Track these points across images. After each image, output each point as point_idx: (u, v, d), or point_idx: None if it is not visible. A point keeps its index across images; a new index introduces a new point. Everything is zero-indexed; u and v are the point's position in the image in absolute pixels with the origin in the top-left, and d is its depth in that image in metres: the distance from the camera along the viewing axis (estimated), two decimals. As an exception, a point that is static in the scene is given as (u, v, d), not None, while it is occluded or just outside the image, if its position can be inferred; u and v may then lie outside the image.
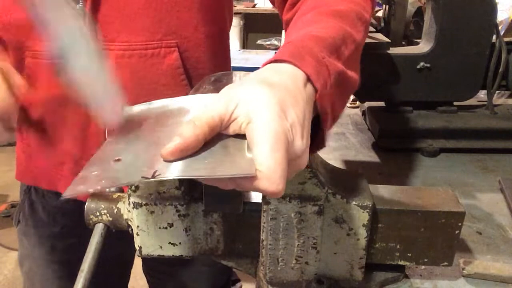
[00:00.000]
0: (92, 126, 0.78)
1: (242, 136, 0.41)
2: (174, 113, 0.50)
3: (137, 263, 1.10)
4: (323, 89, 0.46)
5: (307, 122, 0.43)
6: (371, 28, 1.32)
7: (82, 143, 0.80)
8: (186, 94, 0.76)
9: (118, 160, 0.43)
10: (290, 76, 0.44)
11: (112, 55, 0.73)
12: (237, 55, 3.01)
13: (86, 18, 0.69)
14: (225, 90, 0.43)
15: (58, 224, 0.94)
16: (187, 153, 0.40)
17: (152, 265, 1.09)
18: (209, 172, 0.38)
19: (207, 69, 0.81)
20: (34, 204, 0.95)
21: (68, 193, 0.39)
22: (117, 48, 0.72)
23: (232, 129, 0.41)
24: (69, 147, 0.81)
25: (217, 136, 0.42)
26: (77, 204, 0.83)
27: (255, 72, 0.46)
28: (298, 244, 0.57)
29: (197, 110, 0.47)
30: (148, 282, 1.16)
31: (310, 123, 0.44)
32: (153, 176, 0.38)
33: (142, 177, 0.39)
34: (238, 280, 1.33)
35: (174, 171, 0.39)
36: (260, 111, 0.39)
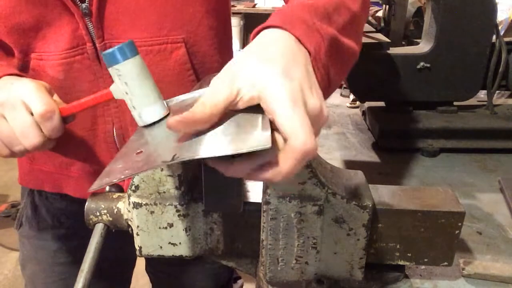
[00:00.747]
0: (100, 124, 0.78)
1: (254, 112, 0.42)
2: (191, 106, 0.51)
3: (138, 262, 1.10)
4: (316, 52, 0.47)
5: (313, 78, 0.44)
6: (371, 28, 1.32)
7: (91, 143, 0.79)
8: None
9: (140, 152, 0.45)
10: (283, 42, 0.46)
11: None
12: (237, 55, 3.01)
13: (92, 16, 0.69)
14: (226, 70, 0.44)
15: (62, 227, 0.94)
16: (191, 127, 0.42)
17: (155, 264, 1.09)
18: (226, 151, 0.39)
19: (215, 62, 0.81)
20: (38, 207, 0.94)
21: (94, 186, 0.41)
22: None
23: (241, 105, 0.42)
24: (77, 148, 0.80)
25: (229, 117, 0.43)
26: (81, 206, 0.83)
27: (249, 46, 0.47)
28: (298, 244, 0.57)
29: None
30: (151, 281, 1.16)
31: (317, 81, 0.45)
32: (172, 159, 0.40)
33: (163, 161, 0.40)
34: (239, 278, 1.33)
35: (192, 152, 0.40)
36: (268, 82, 0.40)
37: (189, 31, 0.75)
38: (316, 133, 0.40)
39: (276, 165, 0.39)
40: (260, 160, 0.40)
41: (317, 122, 0.41)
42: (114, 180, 0.41)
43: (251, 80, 0.41)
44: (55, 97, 0.65)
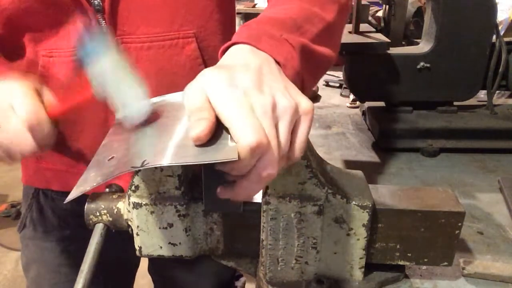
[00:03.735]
0: (111, 121, 0.77)
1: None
2: (168, 109, 0.51)
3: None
4: (287, 61, 0.49)
5: (265, 78, 0.44)
6: (371, 28, 1.32)
7: (101, 139, 0.79)
8: None
9: (112, 158, 0.46)
10: (242, 54, 0.48)
11: (131, 48, 0.73)
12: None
13: (105, 13, 0.69)
14: (191, 85, 0.45)
15: (69, 227, 0.93)
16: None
17: (158, 264, 1.09)
18: (193, 159, 0.41)
19: None
20: (43, 208, 0.93)
21: (70, 197, 0.43)
22: (136, 41, 0.73)
23: None
24: (88, 144, 0.79)
25: None
26: None
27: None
28: (298, 244, 0.57)
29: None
30: (153, 281, 1.15)
31: (289, 83, 0.46)
32: (142, 165, 0.41)
33: (132, 167, 0.42)
34: (241, 275, 1.33)
35: (162, 159, 0.41)
36: (211, 92, 0.42)
37: (199, 25, 0.76)
38: (304, 137, 0.42)
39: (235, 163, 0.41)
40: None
41: (273, 117, 0.42)
42: (88, 188, 0.43)
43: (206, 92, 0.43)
44: (47, 94, 0.64)
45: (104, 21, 0.70)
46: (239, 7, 4.53)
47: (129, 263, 1.06)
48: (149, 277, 1.15)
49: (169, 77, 0.75)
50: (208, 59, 0.78)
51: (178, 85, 0.75)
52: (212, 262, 0.94)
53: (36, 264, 0.97)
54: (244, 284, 1.34)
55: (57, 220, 0.93)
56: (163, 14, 0.72)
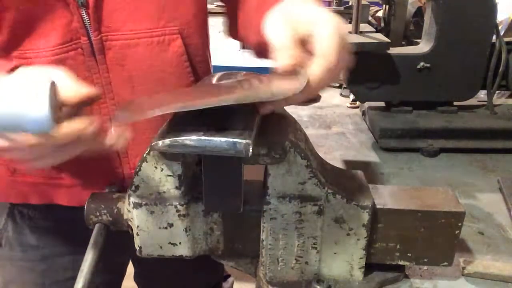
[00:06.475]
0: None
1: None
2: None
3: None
4: None
5: None
6: (371, 28, 1.32)
7: None
8: (190, 82, 0.76)
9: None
10: None
11: (117, 46, 0.70)
12: (237, 55, 3.00)
13: (89, 8, 0.66)
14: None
15: (49, 246, 0.87)
16: None
17: (144, 273, 1.04)
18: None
19: (203, 56, 0.81)
20: (20, 228, 0.86)
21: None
22: (123, 38, 0.70)
23: None
24: None
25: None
26: (68, 222, 0.77)
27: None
28: (298, 244, 0.57)
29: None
30: None
31: None
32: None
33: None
34: (229, 276, 1.32)
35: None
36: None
37: (183, 23, 0.75)
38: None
39: None
40: None
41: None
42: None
43: None
44: None
45: (87, 17, 0.67)
46: (239, 7, 4.52)
47: (116, 264, 1.03)
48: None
49: (157, 75, 0.74)
50: (191, 55, 0.77)
51: (166, 82, 0.74)
52: (199, 267, 0.93)
53: (15, 285, 0.91)
54: (232, 284, 1.33)
55: (36, 240, 0.87)
56: (150, 10, 0.71)
